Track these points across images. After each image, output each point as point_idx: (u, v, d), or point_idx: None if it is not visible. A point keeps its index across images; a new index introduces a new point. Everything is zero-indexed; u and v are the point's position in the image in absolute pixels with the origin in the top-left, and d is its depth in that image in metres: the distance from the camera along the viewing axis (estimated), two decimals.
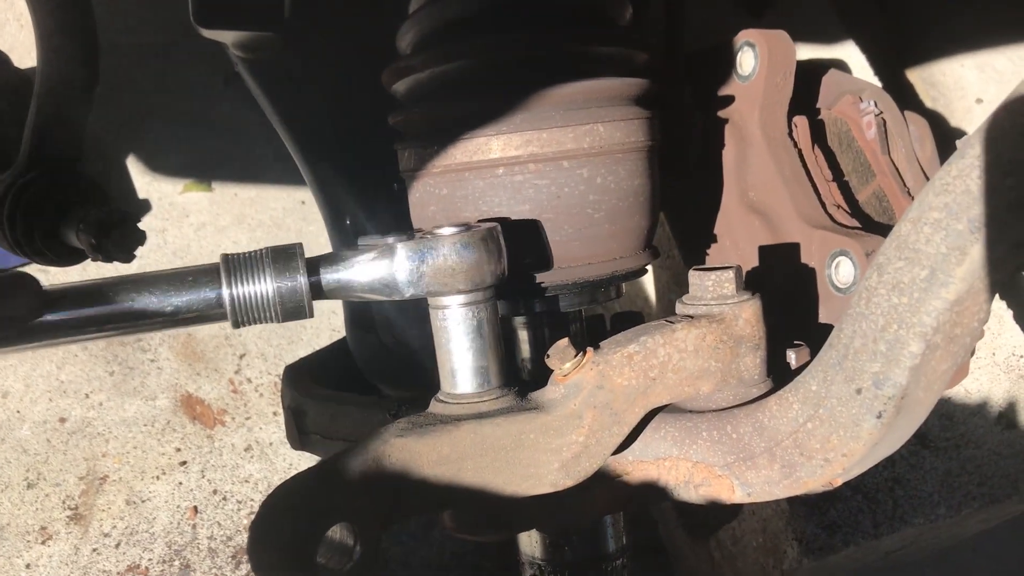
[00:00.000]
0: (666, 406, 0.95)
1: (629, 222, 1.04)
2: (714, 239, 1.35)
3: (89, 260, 1.36)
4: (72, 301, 0.81)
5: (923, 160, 1.44)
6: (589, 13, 1.07)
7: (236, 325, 0.85)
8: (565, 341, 0.90)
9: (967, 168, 0.70)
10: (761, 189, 1.29)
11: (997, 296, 1.75)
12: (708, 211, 1.36)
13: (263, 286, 0.84)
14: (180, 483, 1.83)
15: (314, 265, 0.86)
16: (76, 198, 1.28)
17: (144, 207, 2.12)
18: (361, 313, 1.34)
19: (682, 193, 1.44)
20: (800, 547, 1.40)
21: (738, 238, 1.32)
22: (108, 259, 1.31)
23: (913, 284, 0.75)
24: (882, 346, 0.78)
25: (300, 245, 0.86)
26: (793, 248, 1.21)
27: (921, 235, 0.74)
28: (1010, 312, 1.74)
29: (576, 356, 0.90)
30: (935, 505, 1.50)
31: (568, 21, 1.04)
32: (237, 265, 0.85)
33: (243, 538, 1.78)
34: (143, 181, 2.11)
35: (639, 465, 0.97)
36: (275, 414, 1.92)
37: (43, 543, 1.78)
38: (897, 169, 1.43)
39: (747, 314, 0.94)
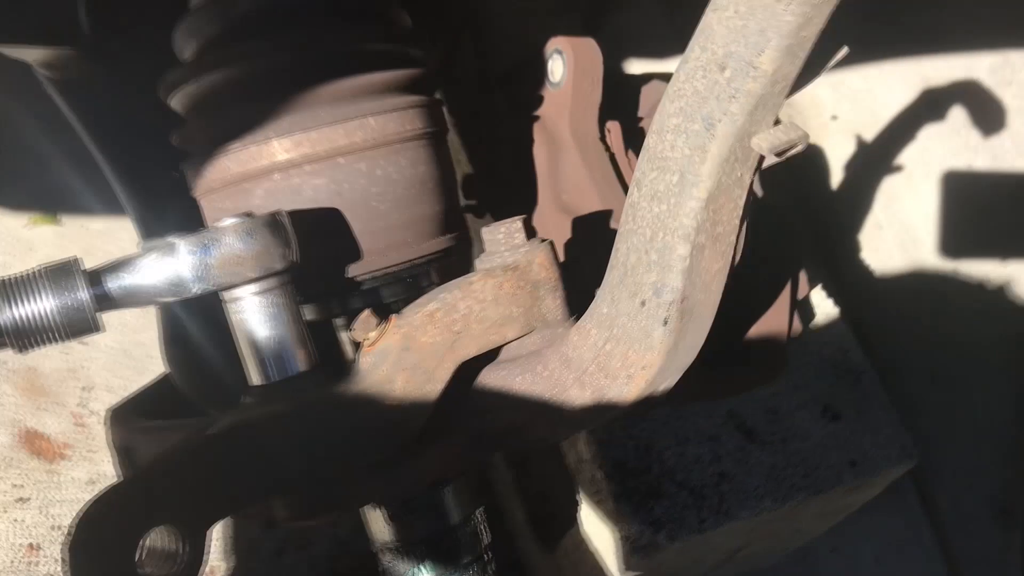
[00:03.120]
0: (484, 360, 0.97)
1: (419, 209, 1.05)
2: None
3: None
4: None
5: None
6: (358, 14, 1.06)
7: (21, 350, 0.83)
8: (367, 312, 0.91)
9: (691, 71, 0.74)
10: (573, 192, 1.33)
11: (825, 294, 1.82)
12: (523, 213, 1.39)
13: (43, 304, 0.82)
14: (16, 520, 1.77)
15: (96, 276, 0.84)
16: None
17: None
18: (174, 328, 1.31)
19: (499, 197, 1.47)
20: (627, 545, 1.43)
21: (553, 238, 1.37)
22: None
23: (668, 190, 0.78)
24: (654, 255, 0.81)
25: (77, 259, 0.85)
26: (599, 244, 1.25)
27: (666, 143, 0.77)
28: (837, 309, 1.81)
29: (379, 324, 0.91)
30: (760, 498, 1.52)
31: (329, 23, 1.02)
32: (13, 288, 0.83)
33: None
34: None
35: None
36: None
37: None
38: None
39: (540, 258, 0.97)
